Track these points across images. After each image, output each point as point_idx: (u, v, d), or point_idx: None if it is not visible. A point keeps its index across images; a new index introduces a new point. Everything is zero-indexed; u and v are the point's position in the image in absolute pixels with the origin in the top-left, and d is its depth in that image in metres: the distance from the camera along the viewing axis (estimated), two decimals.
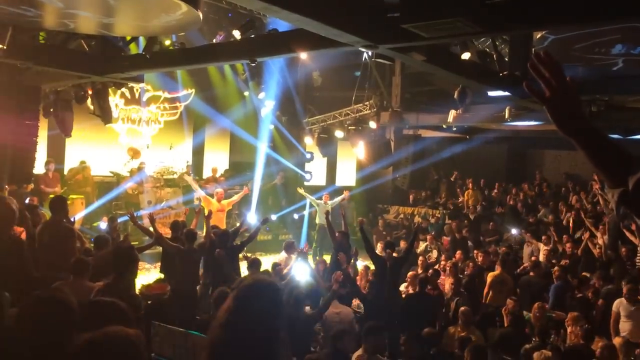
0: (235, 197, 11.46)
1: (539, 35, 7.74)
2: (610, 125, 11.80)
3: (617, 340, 6.05)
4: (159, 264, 9.53)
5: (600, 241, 9.88)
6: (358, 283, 8.26)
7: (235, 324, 1.77)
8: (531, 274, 8.53)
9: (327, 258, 10.14)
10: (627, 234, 9.46)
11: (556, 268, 8.47)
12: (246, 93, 14.38)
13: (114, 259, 4.10)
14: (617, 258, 9.29)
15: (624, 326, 6.70)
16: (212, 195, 11.02)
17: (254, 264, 7.21)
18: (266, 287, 1.89)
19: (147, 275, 10.06)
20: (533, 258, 9.29)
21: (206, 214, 8.71)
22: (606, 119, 10.59)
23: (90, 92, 10.31)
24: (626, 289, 6.85)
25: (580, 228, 10.86)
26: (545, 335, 6.16)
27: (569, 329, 6.41)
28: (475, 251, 10.12)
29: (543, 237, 10.56)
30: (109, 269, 4.15)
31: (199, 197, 11.69)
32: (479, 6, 5.18)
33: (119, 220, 9.26)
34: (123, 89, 13.17)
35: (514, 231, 12.18)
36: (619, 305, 6.86)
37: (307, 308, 6.42)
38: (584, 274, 8.88)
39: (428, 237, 11.80)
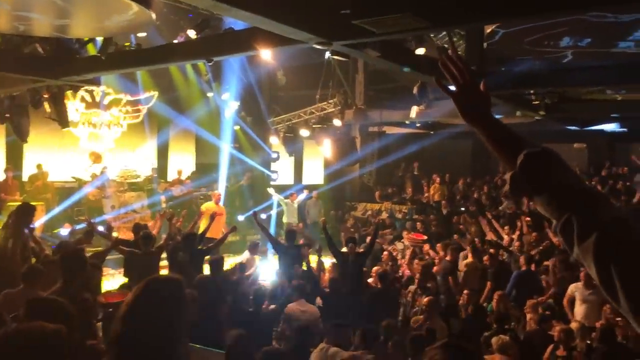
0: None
1: (489, 30, 7.90)
2: (566, 117, 12.12)
3: (573, 325, 6.21)
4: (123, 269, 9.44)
5: None
6: (326, 280, 8.32)
7: (133, 317, 1.83)
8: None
9: None
10: None
11: (521, 256, 8.64)
12: (209, 94, 14.28)
13: (61, 265, 4.02)
14: None
15: (579, 310, 6.87)
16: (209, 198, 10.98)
17: (214, 265, 7.16)
18: (167, 282, 1.98)
19: (112, 280, 9.91)
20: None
21: (202, 212, 8.79)
22: (561, 110, 10.88)
23: (46, 96, 10.10)
24: (584, 273, 7.00)
25: (542, 218, 11.10)
26: (504, 322, 6.28)
27: (528, 316, 6.56)
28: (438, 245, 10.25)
29: (505, 227, 10.77)
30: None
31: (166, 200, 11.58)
32: (427, 1, 5.28)
33: (77, 227, 9.11)
34: (83, 93, 12.95)
35: None
36: (575, 289, 7.03)
37: (272, 306, 6.44)
38: (545, 262, 9.07)
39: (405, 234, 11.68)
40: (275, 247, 8.67)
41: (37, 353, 1.57)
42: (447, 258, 8.38)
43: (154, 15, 6.72)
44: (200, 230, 8.78)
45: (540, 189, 1.30)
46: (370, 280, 8.35)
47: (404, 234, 11.73)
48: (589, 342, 5.85)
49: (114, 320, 1.86)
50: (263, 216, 14.56)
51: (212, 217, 8.73)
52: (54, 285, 4.40)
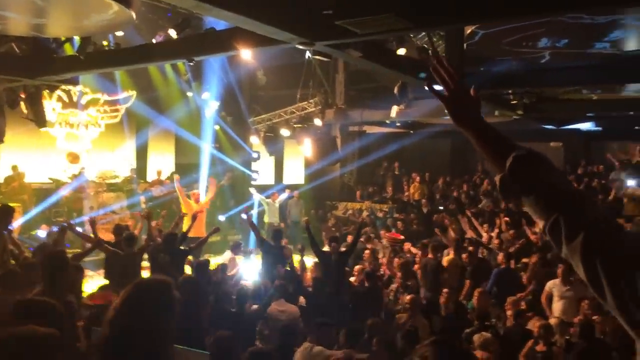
0: (210, 194, 11.37)
1: (469, 31, 8.00)
2: (543, 116, 12.33)
3: (552, 321, 6.33)
4: (103, 270, 9.31)
5: (538, 228, 10.28)
6: (308, 279, 8.35)
7: (121, 320, 1.83)
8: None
9: None
10: None
11: (500, 254, 8.76)
12: (189, 94, 14.18)
13: (42, 267, 3.95)
14: None
15: (557, 306, 7.00)
16: (189, 197, 10.88)
17: (199, 268, 7.12)
18: (155, 285, 1.97)
19: (91, 282, 9.78)
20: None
21: (184, 214, 8.72)
22: (539, 110, 11.06)
23: (22, 95, 9.93)
24: (561, 270, 7.15)
25: (522, 216, 11.27)
26: (485, 319, 6.37)
27: (508, 312, 6.66)
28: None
29: (484, 225, 10.90)
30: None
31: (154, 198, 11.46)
32: (409, 2, 5.33)
33: (54, 229, 8.97)
34: (59, 93, 12.75)
35: None
36: (552, 286, 7.17)
37: (255, 306, 6.44)
38: (523, 259, 9.21)
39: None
40: (260, 246, 8.67)
41: (31, 358, 1.55)
42: (430, 256, 8.46)
43: (134, 15, 6.66)
44: (183, 230, 8.71)
45: (528, 190, 1.34)
46: (352, 279, 8.39)
47: (382, 233, 11.79)
48: (567, 337, 5.98)
49: (103, 322, 1.85)
50: (244, 216, 14.54)
51: (194, 216, 8.68)
52: (33, 289, 4.34)
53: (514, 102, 10.49)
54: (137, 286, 1.91)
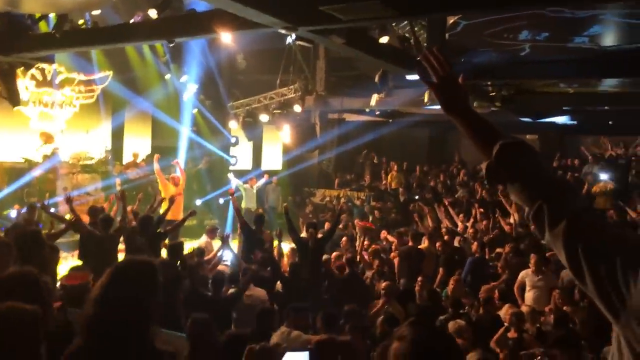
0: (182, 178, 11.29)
1: (452, 21, 8.03)
2: (520, 109, 12.48)
3: (523, 309, 6.47)
4: (77, 251, 9.17)
5: (512, 219, 10.46)
6: (285, 265, 8.36)
7: (107, 299, 1.85)
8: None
9: None
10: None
11: (475, 243, 8.90)
12: (167, 76, 13.97)
13: (16, 247, 3.87)
14: (527, 234, 9.87)
15: (529, 295, 7.16)
16: (168, 180, 10.77)
17: (173, 250, 7.07)
18: (140, 265, 2.00)
19: (65, 263, 9.65)
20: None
21: (162, 199, 8.65)
22: (517, 102, 11.20)
23: None
24: (533, 260, 7.30)
25: (495, 206, 11.45)
26: (458, 307, 6.48)
27: (482, 301, 6.78)
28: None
29: (460, 215, 11.05)
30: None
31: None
32: None
33: (23, 210, 8.80)
34: (33, 71, 12.43)
35: None
36: (525, 276, 7.32)
37: (231, 290, 6.43)
38: (498, 249, 9.36)
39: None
40: (242, 230, 8.67)
41: (12, 336, 1.53)
42: (410, 244, 8.56)
43: None
44: (160, 213, 8.64)
45: (513, 177, 1.37)
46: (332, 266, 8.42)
47: (356, 222, 11.87)
48: (538, 325, 6.12)
49: (87, 300, 1.85)
50: (221, 201, 14.48)
51: (172, 200, 8.62)
52: (6, 269, 4.25)
53: (493, 93, 10.59)
54: (123, 265, 1.92)
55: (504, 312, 6.21)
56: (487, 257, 8.71)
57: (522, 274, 7.37)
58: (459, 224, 10.72)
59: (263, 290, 6.54)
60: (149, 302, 1.89)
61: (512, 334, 5.47)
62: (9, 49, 8.77)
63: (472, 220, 10.53)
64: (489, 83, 10.47)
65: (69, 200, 7.32)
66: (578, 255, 1.23)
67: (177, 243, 7.40)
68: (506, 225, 10.46)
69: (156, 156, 11.45)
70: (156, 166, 11.07)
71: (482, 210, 11.19)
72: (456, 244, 9.50)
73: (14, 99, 9.97)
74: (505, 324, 5.65)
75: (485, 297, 6.52)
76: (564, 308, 6.25)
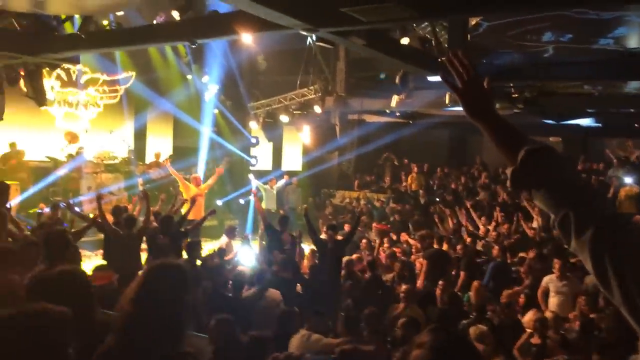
0: (210, 181, 11.34)
1: (473, 22, 7.95)
2: (543, 111, 12.31)
3: (547, 315, 6.37)
4: (100, 251, 9.29)
5: (535, 223, 10.32)
6: (305, 266, 8.37)
7: (143, 299, 1.89)
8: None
9: None
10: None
11: (496, 247, 8.79)
12: (189, 76, 14.11)
13: (44, 246, 3.95)
14: (550, 239, 9.73)
15: (553, 301, 7.04)
16: (189, 181, 10.85)
17: (190, 248, 7.12)
18: (172, 267, 2.05)
19: (89, 262, 9.79)
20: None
21: (185, 200, 8.73)
22: (540, 104, 11.05)
23: (22, 73, 9.85)
24: (557, 265, 7.18)
25: (517, 210, 11.30)
26: (482, 311, 6.41)
27: (504, 306, 6.70)
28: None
29: (482, 218, 10.94)
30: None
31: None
32: None
33: (46, 209, 8.96)
34: (59, 71, 12.67)
35: None
36: (549, 281, 7.20)
37: (251, 291, 6.45)
38: (520, 254, 9.24)
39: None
40: (267, 231, 8.70)
41: (39, 337, 1.56)
42: (436, 247, 8.51)
43: None
44: (182, 213, 8.73)
45: (539, 184, 1.35)
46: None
47: (373, 225, 11.84)
48: (562, 332, 6.03)
49: (122, 300, 1.89)
50: (242, 201, 14.56)
51: (193, 200, 8.69)
52: (32, 267, 4.33)
53: (515, 95, 10.47)
54: (157, 268, 1.96)
55: (528, 317, 6.13)
56: (508, 261, 8.60)
57: (545, 279, 7.25)
58: (481, 227, 10.62)
59: (277, 291, 6.54)
60: (182, 305, 1.93)
61: (535, 340, 5.40)
62: (35, 50, 8.92)
63: (493, 223, 10.42)
64: (511, 85, 10.35)
65: (99, 199, 7.42)
66: (605, 264, 1.21)
67: (195, 241, 7.44)
68: (528, 229, 10.32)
69: (165, 160, 11.57)
70: (170, 169, 11.18)
71: (503, 213, 11.07)
72: (478, 247, 9.41)
73: (40, 99, 10.14)
74: (529, 330, 5.57)
75: (507, 302, 6.43)
76: (591, 315, 6.13)
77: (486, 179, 14.86)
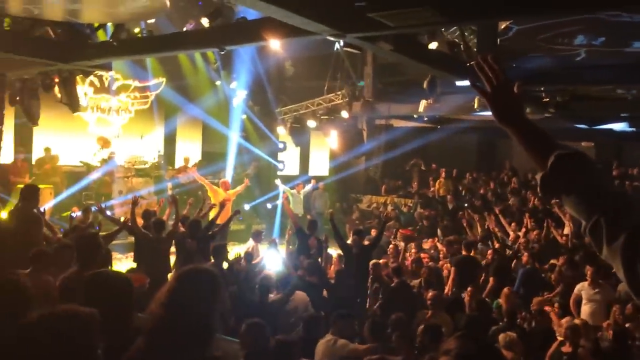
0: (239, 188, 11.48)
1: (503, 26, 7.86)
2: (575, 115, 12.08)
3: (578, 322, 6.24)
4: (131, 253, 9.45)
5: (567, 229, 10.11)
6: (331, 271, 8.37)
7: (174, 303, 1.92)
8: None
9: None
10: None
11: (526, 253, 8.65)
12: (218, 82, 14.28)
13: (77, 249, 4.04)
14: (582, 245, 9.52)
15: (585, 309, 6.89)
16: (217, 185, 11.00)
17: (215, 251, 7.19)
18: (203, 273, 2.09)
19: (119, 265, 9.97)
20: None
21: (213, 204, 9.00)
22: (572, 108, 10.85)
23: (57, 80, 10.12)
24: (590, 272, 7.02)
25: (548, 216, 11.09)
26: (513, 317, 6.32)
27: (534, 313, 6.59)
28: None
29: (512, 224, 10.76)
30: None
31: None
32: None
33: (77, 213, 9.15)
34: (92, 78, 12.95)
35: None
36: (581, 288, 7.05)
37: (277, 296, 6.47)
38: (552, 261, 9.07)
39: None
40: (297, 235, 8.80)
41: (67, 339, 1.60)
42: (464, 253, 8.42)
43: (167, 2, 6.74)
44: (210, 218, 8.83)
45: (569, 190, 1.33)
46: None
47: (399, 230, 11.78)
48: (595, 340, 5.88)
49: (153, 303, 1.92)
50: (269, 206, 14.65)
51: (222, 205, 8.79)
52: (66, 270, 4.44)
53: (546, 99, 10.30)
54: (188, 273, 2.00)
55: (560, 325, 6.01)
56: (538, 268, 8.45)
57: (578, 287, 7.10)
58: (511, 233, 10.46)
59: (304, 294, 6.54)
60: (211, 310, 1.97)
61: (566, 349, 5.28)
62: (69, 57, 9.16)
63: (523, 229, 10.25)
64: (542, 89, 10.19)
65: (134, 204, 7.55)
66: (637, 271, 1.19)
67: (220, 245, 7.50)
68: (559, 235, 10.12)
69: (192, 167, 11.70)
70: (196, 176, 11.31)
71: (533, 219, 10.88)
72: (507, 253, 9.27)
73: (74, 105, 10.39)
74: (560, 338, 5.45)
75: (538, 309, 6.31)
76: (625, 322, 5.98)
77: (516, 184, 14.63)
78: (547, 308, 6.58)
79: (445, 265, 8.73)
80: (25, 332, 1.62)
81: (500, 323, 6.32)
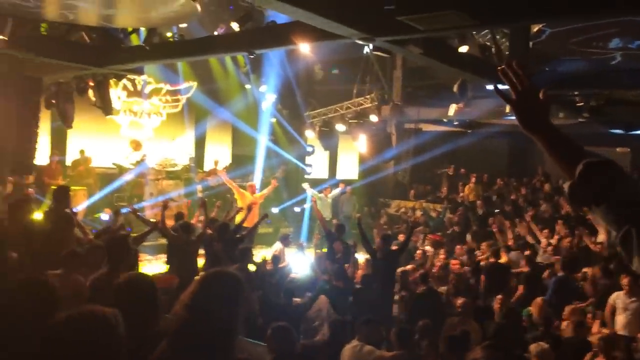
0: (266, 191, 11.55)
1: (535, 29, 7.72)
2: (610, 120, 11.77)
3: (612, 333, 6.07)
4: (160, 255, 9.61)
5: (601, 237, 9.85)
6: (359, 276, 8.32)
7: (198, 305, 1.93)
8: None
9: None
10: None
11: (557, 262, 8.47)
12: (247, 86, 14.41)
13: (107, 250, 4.11)
14: (616, 254, 9.27)
15: (620, 319, 6.68)
16: (244, 189, 11.10)
17: (241, 254, 7.22)
18: (227, 276, 2.09)
19: (149, 266, 10.12)
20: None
21: (241, 208, 9.10)
22: (607, 113, 10.58)
23: (91, 83, 10.36)
24: (626, 281, 6.81)
25: (582, 223, 10.83)
26: (549, 325, 6.19)
27: (564, 322, 6.43)
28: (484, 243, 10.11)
29: (545, 231, 10.55)
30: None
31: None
32: None
33: (122, 211, 9.34)
34: (125, 81, 13.24)
35: None
36: (616, 298, 6.85)
37: (300, 300, 6.48)
38: (584, 269, 8.86)
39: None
40: (327, 238, 8.83)
41: (89, 340, 1.62)
42: (492, 260, 8.29)
43: (199, 7, 6.82)
44: (237, 222, 8.89)
45: (599, 199, 1.29)
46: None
47: (428, 236, 11.65)
48: (629, 352, 5.71)
49: (177, 304, 1.94)
50: (297, 209, 14.67)
51: (249, 208, 8.84)
52: (96, 271, 4.52)
53: (580, 104, 10.07)
54: (212, 276, 2.01)
55: (594, 335, 5.86)
56: (571, 276, 8.25)
57: (613, 296, 6.88)
58: (543, 240, 10.24)
59: (325, 298, 6.52)
60: (236, 313, 1.97)
61: None
62: (103, 62, 9.38)
63: (556, 237, 10.03)
64: (575, 93, 9.97)
65: (164, 208, 7.67)
66: None
67: (246, 248, 7.54)
68: (591, 243, 9.87)
69: (221, 170, 11.78)
70: (225, 179, 11.40)
71: (566, 226, 10.64)
72: (539, 260, 9.09)
73: (107, 108, 10.63)
74: (594, 349, 5.31)
75: (578, 321, 6.15)
76: None
77: (549, 190, 14.34)
78: (585, 318, 6.43)
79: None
80: (53, 332, 1.65)
81: (532, 332, 6.20)
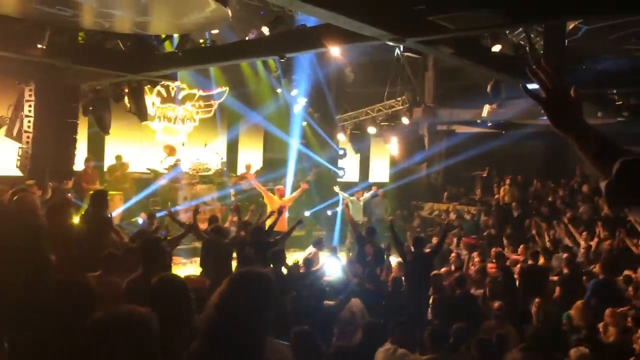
0: (295, 194, 11.60)
1: (571, 26, 7.53)
2: None
3: None
4: (195, 258, 9.71)
5: None
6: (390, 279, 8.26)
7: (227, 305, 1.94)
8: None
9: None
10: None
11: (598, 264, 8.24)
12: (278, 90, 14.49)
13: (142, 252, 4.19)
14: None
15: None
16: (273, 192, 11.18)
17: (273, 257, 7.24)
18: (257, 276, 2.09)
19: (183, 269, 10.25)
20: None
21: (273, 212, 9.15)
22: None
23: (126, 90, 10.58)
24: None
25: (622, 225, 10.51)
26: (593, 329, 6.02)
27: (602, 325, 6.26)
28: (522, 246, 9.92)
29: (584, 233, 10.28)
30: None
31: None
32: None
33: (157, 215, 9.51)
34: (159, 88, 13.49)
35: None
36: None
37: (332, 302, 6.45)
38: (626, 272, 8.60)
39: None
40: (358, 242, 8.82)
41: (125, 339, 1.65)
42: (530, 262, 8.13)
43: (230, 13, 6.89)
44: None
45: (637, 198, 1.25)
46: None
47: (462, 239, 11.49)
48: None
49: (207, 305, 1.96)
50: (329, 212, 14.67)
51: (280, 211, 8.88)
52: (132, 273, 4.60)
53: (619, 102, 9.80)
54: (242, 276, 2.02)
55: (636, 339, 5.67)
56: (612, 279, 8.00)
57: None
58: (582, 242, 9.98)
59: (358, 300, 6.47)
60: (265, 313, 1.97)
61: None
62: (137, 68, 9.56)
63: (596, 239, 9.76)
64: (614, 91, 9.70)
65: (195, 212, 7.78)
66: None
67: (278, 250, 7.55)
68: (633, 245, 9.56)
69: (251, 175, 11.84)
70: (254, 183, 11.46)
71: (606, 228, 10.33)
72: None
73: (142, 115, 10.83)
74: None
75: (623, 326, 5.97)
76: None
77: (587, 191, 13.95)
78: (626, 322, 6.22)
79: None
80: (90, 332, 1.69)
81: (573, 335, 6.03)
